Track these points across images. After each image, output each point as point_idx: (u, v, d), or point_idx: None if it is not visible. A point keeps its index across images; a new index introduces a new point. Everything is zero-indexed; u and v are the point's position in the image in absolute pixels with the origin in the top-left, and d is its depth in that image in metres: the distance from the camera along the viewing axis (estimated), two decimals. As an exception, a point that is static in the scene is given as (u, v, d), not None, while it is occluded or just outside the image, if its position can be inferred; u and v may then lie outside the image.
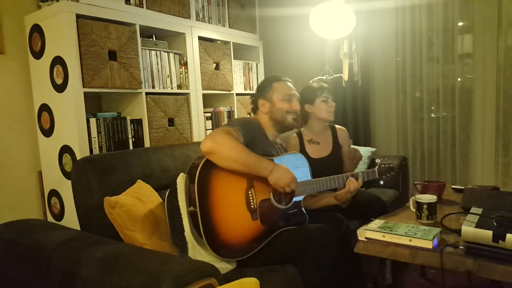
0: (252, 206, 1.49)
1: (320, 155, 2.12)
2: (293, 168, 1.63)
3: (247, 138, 1.52)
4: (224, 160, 1.39)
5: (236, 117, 2.76)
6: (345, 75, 2.83)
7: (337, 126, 2.23)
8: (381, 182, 1.87)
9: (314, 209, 1.85)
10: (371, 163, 2.71)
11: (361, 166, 2.63)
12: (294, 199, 1.62)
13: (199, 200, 1.37)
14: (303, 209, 1.66)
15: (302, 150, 2.12)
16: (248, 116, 1.86)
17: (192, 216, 1.41)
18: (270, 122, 1.75)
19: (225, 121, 2.68)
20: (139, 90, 2.12)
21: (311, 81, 2.85)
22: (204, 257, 1.41)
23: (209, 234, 1.37)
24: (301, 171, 1.67)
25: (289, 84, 1.80)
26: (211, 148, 1.38)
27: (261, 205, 1.51)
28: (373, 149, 2.84)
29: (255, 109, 1.82)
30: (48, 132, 1.99)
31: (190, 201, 1.42)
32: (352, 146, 2.76)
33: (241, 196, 1.47)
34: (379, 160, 1.88)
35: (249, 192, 1.49)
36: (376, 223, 1.48)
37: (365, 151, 2.73)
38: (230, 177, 1.45)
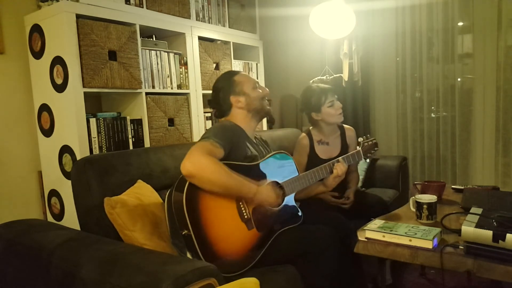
0: (246, 216, 1.45)
1: (329, 156, 2.14)
2: (279, 167, 1.63)
3: (226, 147, 1.45)
4: (205, 183, 1.34)
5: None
6: (345, 75, 2.83)
7: (345, 126, 2.25)
8: (367, 160, 1.90)
9: (314, 210, 1.85)
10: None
11: (362, 166, 2.63)
12: (286, 198, 1.62)
13: (191, 222, 1.32)
14: (296, 206, 1.67)
15: (312, 151, 2.15)
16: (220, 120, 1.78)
17: (186, 239, 1.35)
18: (249, 115, 1.67)
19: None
20: (139, 90, 2.12)
21: (311, 81, 2.86)
22: (204, 257, 1.41)
23: (208, 255, 1.33)
24: (287, 169, 1.68)
25: (246, 73, 1.77)
26: (191, 172, 1.30)
27: (254, 212, 1.48)
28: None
29: (225, 110, 1.69)
30: (48, 132, 1.99)
31: (181, 224, 1.35)
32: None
33: (232, 208, 1.43)
34: (362, 139, 1.90)
35: (240, 203, 1.46)
36: (376, 223, 1.48)
37: (365, 151, 2.73)
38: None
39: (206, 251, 1.32)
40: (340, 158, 1.79)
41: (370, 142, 1.89)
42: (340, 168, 1.74)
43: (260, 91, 1.69)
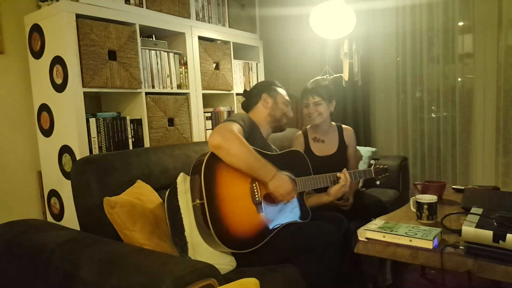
0: (257, 199, 1.50)
1: (325, 153, 2.16)
2: (293, 164, 1.67)
3: (246, 133, 1.56)
4: (231, 156, 1.41)
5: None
6: (346, 75, 2.82)
7: (344, 126, 2.26)
8: (377, 182, 1.91)
9: (314, 209, 1.85)
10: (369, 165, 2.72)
11: (361, 166, 2.63)
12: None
13: (206, 190, 1.38)
14: (305, 204, 1.68)
15: (307, 148, 2.17)
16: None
17: (197, 209, 1.42)
18: (268, 118, 1.80)
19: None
20: (138, 90, 2.12)
21: (312, 81, 2.86)
22: (204, 257, 1.41)
23: (216, 224, 1.37)
24: (301, 167, 1.71)
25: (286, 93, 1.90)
26: (220, 143, 1.40)
27: (266, 198, 1.52)
28: (373, 149, 2.83)
29: (251, 104, 1.84)
30: (47, 132, 1.99)
31: (195, 195, 1.43)
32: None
33: (246, 189, 1.49)
34: (374, 161, 1.93)
35: (254, 185, 1.51)
36: (377, 223, 1.48)
37: (365, 151, 2.73)
38: (234, 171, 1.47)
39: (215, 220, 1.37)
40: (347, 170, 1.75)
41: (381, 166, 1.90)
42: (343, 177, 1.72)
43: (287, 108, 1.84)
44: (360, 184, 2.63)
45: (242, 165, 1.43)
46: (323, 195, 1.79)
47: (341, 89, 3.03)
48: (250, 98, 1.86)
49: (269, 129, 1.83)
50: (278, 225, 1.53)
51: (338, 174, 1.74)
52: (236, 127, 1.49)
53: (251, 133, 1.63)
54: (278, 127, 1.84)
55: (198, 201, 1.41)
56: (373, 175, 1.87)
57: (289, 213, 1.60)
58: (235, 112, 2.80)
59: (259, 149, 1.57)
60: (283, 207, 1.58)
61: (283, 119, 1.83)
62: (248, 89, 1.93)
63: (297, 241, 1.51)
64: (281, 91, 1.86)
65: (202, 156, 1.47)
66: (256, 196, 1.50)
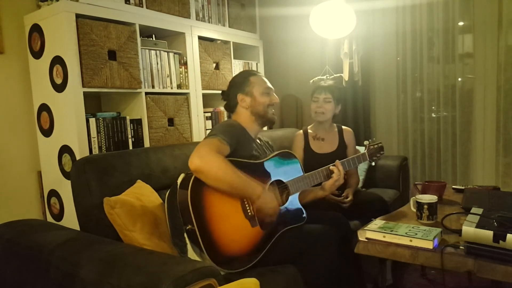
0: (250, 213, 1.46)
1: (325, 151, 2.20)
2: (284, 166, 1.63)
3: (232, 144, 1.47)
4: (212, 179, 1.35)
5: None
6: (346, 75, 2.82)
7: (344, 127, 2.32)
8: (373, 163, 1.90)
9: (314, 209, 1.85)
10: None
11: (362, 166, 2.63)
12: (290, 197, 1.62)
13: (195, 217, 1.33)
14: (300, 206, 1.66)
15: (307, 146, 2.22)
16: (228, 118, 1.80)
17: (190, 234, 1.37)
18: (252, 117, 1.68)
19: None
20: (138, 90, 2.11)
21: (311, 81, 2.86)
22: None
23: (211, 249, 1.33)
24: (292, 168, 1.67)
25: (265, 78, 1.74)
26: (199, 167, 1.33)
27: (258, 210, 1.48)
28: (373, 149, 2.83)
29: (232, 107, 1.73)
30: (47, 132, 1.99)
31: (186, 219, 1.37)
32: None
33: (236, 205, 1.44)
34: (367, 142, 1.90)
35: (244, 200, 1.46)
36: (377, 223, 1.48)
37: (365, 151, 2.72)
38: None
39: (209, 245, 1.33)
40: (338, 161, 1.75)
41: (375, 146, 1.90)
42: (335, 170, 1.70)
43: (268, 98, 1.69)
44: (360, 185, 2.63)
45: (225, 186, 1.36)
46: (318, 190, 1.77)
47: (341, 89, 3.03)
48: (228, 100, 1.74)
49: (257, 127, 1.71)
50: (275, 234, 1.51)
51: (330, 167, 1.72)
52: (216, 145, 1.40)
53: (239, 141, 1.53)
54: (266, 121, 1.71)
55: (189, 226, 1.35)
56: (368, 159, 1.85)
57: (285, 219, 1.57)
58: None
59: (246, 160, 1.51)
60: (277, 215, 1.54)
61: (269, 110, 1.69)
62: (225, 90, 1.78)
63: (297, 245, 1.50)
64: (257, 80, 1.69)
65: (189, 174, 1.40)
66: (248, 211, 1.46)
